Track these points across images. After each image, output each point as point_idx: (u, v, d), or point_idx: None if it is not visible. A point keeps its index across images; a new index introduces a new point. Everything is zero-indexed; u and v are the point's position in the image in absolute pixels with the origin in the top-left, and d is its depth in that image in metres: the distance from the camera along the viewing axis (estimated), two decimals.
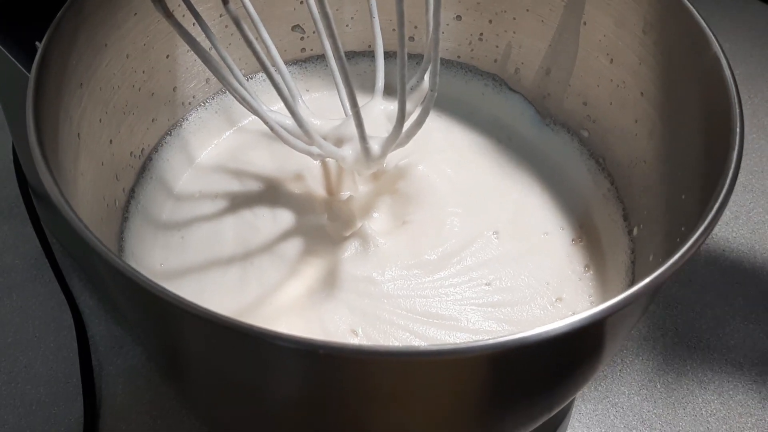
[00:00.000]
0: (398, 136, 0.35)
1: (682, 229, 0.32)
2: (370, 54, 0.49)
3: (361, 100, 0.38)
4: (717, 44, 0.33)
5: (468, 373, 0.28)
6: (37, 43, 0.40)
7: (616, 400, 0.51)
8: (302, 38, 0.48)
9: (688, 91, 0.35)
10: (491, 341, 0.25)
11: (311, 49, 0.48)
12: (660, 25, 0.37)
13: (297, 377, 0.27)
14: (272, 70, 0.31)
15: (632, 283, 0.38)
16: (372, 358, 0.24)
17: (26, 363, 0.51)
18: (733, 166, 0.29)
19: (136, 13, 0.38)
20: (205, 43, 0.35)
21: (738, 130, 0.30)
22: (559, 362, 0.31)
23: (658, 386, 0.51)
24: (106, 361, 0.51)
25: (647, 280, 0.26)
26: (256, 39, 0.46)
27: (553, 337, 0.26)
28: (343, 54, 0.30)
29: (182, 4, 0.35)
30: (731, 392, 0.51)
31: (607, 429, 0.49)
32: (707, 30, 0.34)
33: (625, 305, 0.27)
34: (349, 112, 0.42)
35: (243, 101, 0.34)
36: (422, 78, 0.39)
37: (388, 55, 0.42)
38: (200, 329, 0.26)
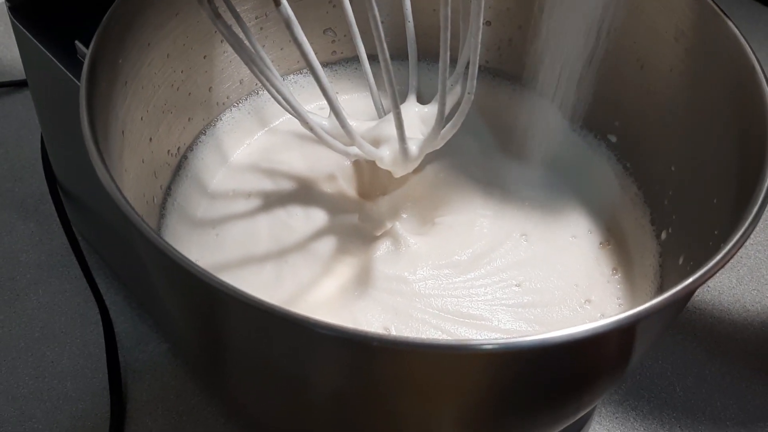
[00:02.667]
0: (436, 137, 0.35)
1: (716, 232, 0.33)
2: (397, 58, 0.50)
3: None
4: (752, 53, 0.34)
5: (509, 368, 0.28)
6: (77, 42, 0.41)
7: (636, 404, 0.51)
8: (333, 41, 0.48)
9: (721, 98, 0.36)
10: (533, 338, 0.26)
11: (341, 52, 0.49)
12: (692, 32, 0.38)
13: (343, 369, 0.28)
14: (319, 71, 0.31)
15: (661, 286, 0.39)
16: (424, 351, 0.25)
17: (53, 358, 0.52)
18: None
19: (177, 14, 0.39)
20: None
21: None
22: (592, 362, 0.31)
23: (678, 390, 0.52)
24: (131, 357, 0.52)
25: (688, 281, 0.27)
26: (289, 42, 0.47)
27: (591, 336, 0.27)
28: (388, 56, 0.31)
29: (221, 5, 0.36)
30: (750, 397, 0.52)
31: None
32: (742, 39, 0.35)
33: (663, 307, 0.27)
34: (383, 113, 0.43)
35: (285, 101, 0.35)
36: (457, 81, 0.40)
37: (418, 60, 0.43)
38: (250, 317, 0.27)
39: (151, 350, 0.52)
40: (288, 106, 0.35)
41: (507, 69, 0.48)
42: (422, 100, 0.43)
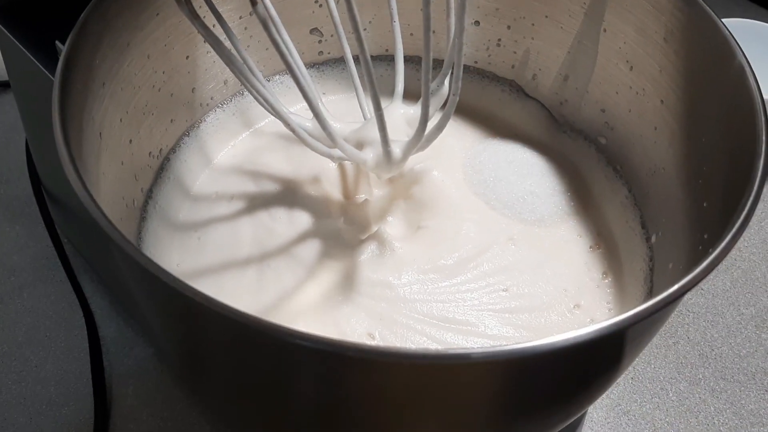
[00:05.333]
0: (420, 139, 0.35)
1: (705, 236, 0.32)
2: (386, 58, 0.49)
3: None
4: (742, 53, 0.33)
5: (495, 377, 0.28)
6: (57, 42, 0.40)
7: (628, 408, 0.50)
8: (320, 41, 0.48)
9: (711, 100, 0.36)
10: (516, 346, 0.25)
11: (328, 53, 0.48)
12: (681, 33, 0.37)
13: (320, 380, 0.27)
14: (298, 72, 0.31)
15: (651, 291, 0.38)
16: (402, 361, 0.24)
17: (37, 363, 0.51)
18: (759, 174, 0.29)
19: (158, 14, 0.38)
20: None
21: (764, 138, 0.30)
22: (579, 369, 0.31)
23: (670, 395, 0.51)
24: (116, 362, 0.51)
25: (675, 287, 0.26)
26: None
27: (576, 344, 0.26)
28: (369, 57, 0.30)
29: (203, 5, 0.35)
30: (743, 402, 0.51)
31: None
32: (731, 39, 0.34)
33: (651, 313, 0.27)
34: (368, 115, 0.42)
35: (266, 103, 0.34)
36: (442, 83, 0.39)
37: (406, 60, 0.42)
38: (225, 327, 0.26)
39: (136, 355, 0.51)
40: (269, 108, 0.35)
41: (495, 70, 0.48)
42: (412, 100, 0.42)
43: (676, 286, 0.26)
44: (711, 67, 0.35)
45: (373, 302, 0.38)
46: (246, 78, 0.33)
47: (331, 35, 0.47)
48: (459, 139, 0.46)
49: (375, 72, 0.49)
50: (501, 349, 0.25)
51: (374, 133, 0.37)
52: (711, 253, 0.27)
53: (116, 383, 0.50)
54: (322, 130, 0.33)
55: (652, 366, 0.53)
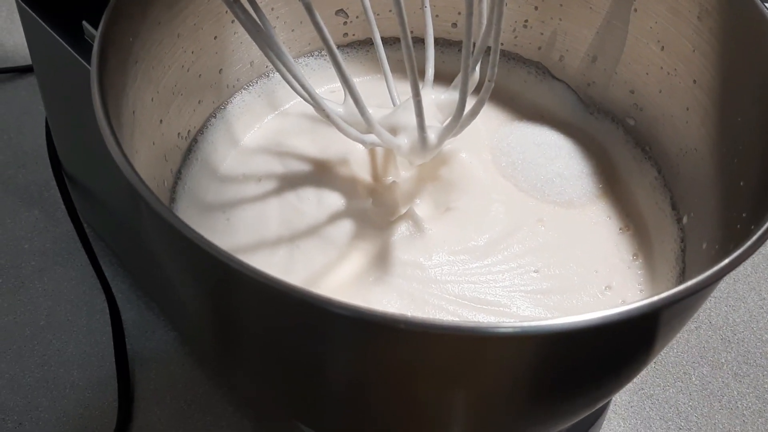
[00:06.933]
0: (456, 125, 0.34)
1: (743, 215, 0.32)
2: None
3: (403, 88, 0.38)
4: None
5: (532, 353, 0.27)
6: (84, 23, 0.40)
7: (651, 392, 0.50)
8: (345, 23, 0.47)
9: (746, 78, 0.35)
10: (565, 321, 0.25)
11: (353, 34, 0.48)
12: (717, 11, 0.37)
13: (364, 353, 0.27)
14: (339, 56, 0.30)
15: (683, 271, 0.38)
16: (451, 333, 0.24)
17: (59, 346, 0.51)
18: None
19: None
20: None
21: None
22: (613, 350, 0.30)
23: (693, 379, 0.51)
24: (138, 345, 0.51)
25: (722, 263, 0.26)
26: (300, 23, 0.46)
27: (613, 322, 0.26)
28: (410, 42, 0.30)
29: None
30: (766, 386, 0.51)
31: (644, 421, 0.49)
32: None
33: (693, 292, 0.26)
34: (397, 100, 0.42)
35: (302, 88, 0.34)
36: (474, 68, 0.39)
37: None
38: (268, 298, 0.26)
39: (158, 338, 0.51)
40: (305, 93, 0.34)
41: (522, 52, 0.47)
42: (437, 84, 0.42)
43: (725, 262, 0.26)
44: (747, 45, 0.35)
45: (405, 283, 0.37)
46: (284, 63, 0.33)
47: (357, 16, 0.47)
48: (486, 122, 0.46)
49: (399, 54, 0.49)
50: (551, 324, 0.25)
51: (407, 118, 0.36)
52: (756, 231, 0.27)
53: (138, 366, 0.50)
54: (360, 115, 0.33)
55: (675, 350, 0.53)
